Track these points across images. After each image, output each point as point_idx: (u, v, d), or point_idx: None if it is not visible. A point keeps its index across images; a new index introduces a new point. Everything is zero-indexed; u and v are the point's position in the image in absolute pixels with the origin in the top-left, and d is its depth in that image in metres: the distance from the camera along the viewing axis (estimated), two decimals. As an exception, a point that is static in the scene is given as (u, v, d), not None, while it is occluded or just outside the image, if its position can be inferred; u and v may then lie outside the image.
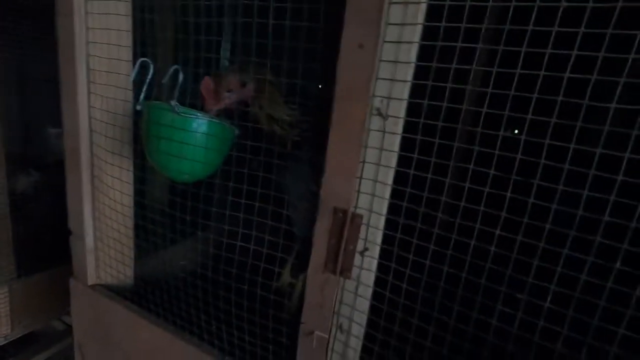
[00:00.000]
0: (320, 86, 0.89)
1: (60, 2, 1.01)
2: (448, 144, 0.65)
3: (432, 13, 0.63)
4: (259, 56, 0.85)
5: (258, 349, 0.95)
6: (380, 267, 0.76)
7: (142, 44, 1.04)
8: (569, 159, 0.55)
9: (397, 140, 0.69)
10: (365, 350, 0.81)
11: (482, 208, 0.63)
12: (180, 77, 0.91)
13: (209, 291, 1.02)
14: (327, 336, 0.82)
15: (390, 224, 0.73)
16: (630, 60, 0.50)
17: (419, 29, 0.63)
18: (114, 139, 1.07)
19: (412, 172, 0.68)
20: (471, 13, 0.59)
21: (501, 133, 0.60)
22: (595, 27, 0.51)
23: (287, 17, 0.77)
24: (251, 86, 0.97)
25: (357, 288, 0.79)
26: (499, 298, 0.64)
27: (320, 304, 0.81)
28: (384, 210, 0.73)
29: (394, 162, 0.71)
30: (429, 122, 0.65)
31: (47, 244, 1.82)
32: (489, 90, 0.60)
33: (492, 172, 0.61)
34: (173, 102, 0.87)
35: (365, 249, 0.76)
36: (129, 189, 1.13)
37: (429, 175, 0.67)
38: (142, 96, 0.94)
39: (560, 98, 0.55)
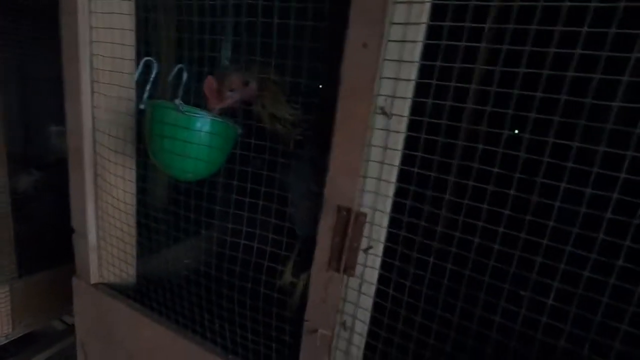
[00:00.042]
0: (320, 86, 0.90)
1: (65, 1, 1.01)
2: (452, 142, 0.65)
3: (436, 12, 0.63)
4: (261, 55, 0.85)
5: (261, 347, 0.96)
6: (384, 265, 0.77)
7: (145, 43, 1.04)
8: (572, 157, 0.56)
9: (401, 138, 0.70)
10: (369, 347, 0.82)
11: (485, 206, 0.64)
12: (185, 76, 0.92)
13: (211, 289, 1.02)
14: (330, 334, 0.82)
15: (394, 222, 0.74)
16: (632, 59, 0.51)
17: (423, 29, 0.64)
18: (117, 138, 1.08)
19: (416, 170, 0.68)
20: (475, 12, 0.60)
21: (505, 131, 0.60)
22: (598, 26, 0.51)
23: (291, 16, 0.77)
24: (253, 85, 0.98)
25: (360, 286, 0.79)
26: (502, 295, 0.65)
27: (324, 301, 0.81)
28: (388, 209, 0.74)
29: (397, 160, 0.71)
30: (432, 120, 0.66)
31: (48, 244, 1.82)
32: (493, 89, 0.60)
33: (495, 170, 0.62)
34: (177, 101, 0.87)
35: (369, 247, 0.76)
36: (132, 188, 1.13)
37: (433, 174, 0.67)
38: (145, 95, 0.95)
39: (563, 97, 0.55)
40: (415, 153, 0.68)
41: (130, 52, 1.04)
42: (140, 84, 0.96)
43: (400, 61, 0.66)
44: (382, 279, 0.78)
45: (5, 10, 1.57)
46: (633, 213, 0.54)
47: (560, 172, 0.57)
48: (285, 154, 0.89)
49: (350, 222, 0.75)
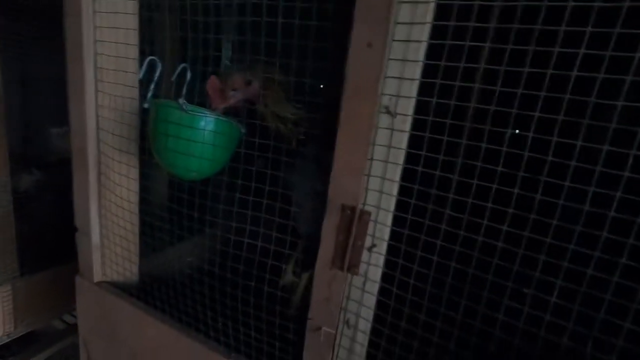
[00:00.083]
0: (322, 85, 0.90)
1: (69, 1, 1.02)
2: (456, 141, 0.66)
3: (441, 12, 0.63)
4: (264, 55, 0.86)
5: (264, 345, 0.96)
6: (388, 263, 0.77)
7: (148, 43, 1.05)
8: (575, 156, 0.56)
9: (405, 137, 0.70)
10: (372, 345, 0.82)
11: (489, 204, 0.64)
12: (188, 75, 0.92)
13: (215, 288, 1.02)
14: (334, 332, 0.83)
15: (397, 221, 0.74)
16: (636, 59, 0.51)
17: (427, 28, 0.64)
18: (121, 137, 1.08)
19: (420, 169, 0.69)
20: (480, 12, 0.60)
21: (509, 130, 0.61)
22: (602, 26, 0.52)
23: (295, 16, 0.77)
24: (256, 85, 0.98)
25: (364, 284, 0.79)
26: (505, 293, 0.65)
27: (327, 299, 0.82)
28: (392, 207, 0.74)
29: (401, 159, 0.72)
30: (437, 119, 0.66)
31: (49, 243, 1.82)
32: (497, 88, 0.61)
33: (499, 169, 0.62)
34: (181, 100, 0.88)
35: (373, 245, 0.77)
36: (136, 186, 1.14)
37: (437, 173, 0.68)
38: (149, 94, 0.95)
39: (567, 96, 0.56)
40: (419, 152, 0.69)
41: (134, 52, 1.04)
42: (144, 83, 0.97)
43: (404, 60, 0.67)
44: (385, 277, 0.78)
45: (6, 10, 1.57)
46: (636, 211, 0.54)
47: (564, 170, 0.57)
48: (289, 153, 0.89)
49: (354, 220, 0.75)
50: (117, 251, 1.19)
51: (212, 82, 0.96)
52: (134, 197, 1.14)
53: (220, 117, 0.91)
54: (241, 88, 0.98)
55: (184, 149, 0.90)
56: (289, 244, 0.92)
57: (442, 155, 0.67)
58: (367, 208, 0.75)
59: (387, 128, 0.71)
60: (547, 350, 0.64)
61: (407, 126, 0.70)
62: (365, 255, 0.77)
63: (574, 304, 0.60)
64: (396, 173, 0.72)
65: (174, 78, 0.92)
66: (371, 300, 0.80)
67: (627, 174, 0.53)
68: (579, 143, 0.56)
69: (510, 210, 0.62)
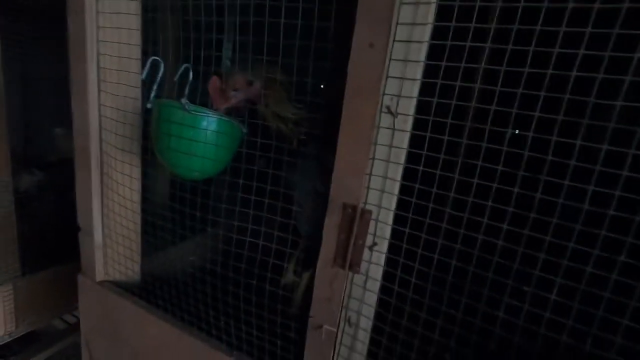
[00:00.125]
0: (322, 85, 0.91)
1: (72, 1, 1.02)
2: (456, 140, 0.67)
3: (442, 13, 0.64)
4: (265, 55, 0.86)
5: (266, 343, 0.97)
6: (389, 262, 0.78)
7: (151, 43, 1.05)
8: (575, 155, 0.57)
9: (407, 137, 0.71)
10: (373, 343, 0.83)
11: (489, 203, 0.65)
12: (191, 75, 0.93)
13: (216, 286, 1.03)
14: (335, 330, 0.84)
15: (398, 220, 0.75)
16: (635, 59, 0.52)
17: (429, 29, 0.65)
18: (123, 137, 1.09)
19: (421, 168, 0.70)
20: (480, 13, 0.61)
21: (509, 130, 0.61)
22: (601, 27, 0.53)
23: (298, 16, 0.78)
24: (258, 85, 0.99)
25: (365, 282, 0.80)
26: (505, 291, 0.66)
27: (329, 298, 0.83)
28: (393, 206, 0.75)
29: (403, 158, 0.72)
30: (438, 119, 0.67)
31: (51, 242, 1.83)
32: (497, 88, 0.61)
33: (499, 168, 0.63)
34: (183, 100, 0.88)
35: (374, 244, 0.77)
36: (138, 186, 1.14)
37: (438, 172, 0.68)
38: (152, 94, 0.96)
39: (567, 96, 0.57)
40: (420, 151, 0.69)
41: (136, 52, 1.05)
42: (147, 83, 0.98)
43: (406, 61, 0.68)
44: (386, 276, 0.79)
45: (6, 10, 1.58)
46: (635, 210, 0.55)
47: (563, 170, 0.58)
48: (290, 153, 0.90)
49: (355, 219, 0.76)
50: (119, 250, 1.20)
51: (214, 82, 0.97)
52: (137, 197, 1.15)
53: (222, 117, 0.92)
54: (242, 88, 0.99)
55: (186, 148, 0.91)
56: (290, 243, 0.93)
57: (442, 155, 0.67)
58: (368, 207, 0.76)
59: (388, 128, 0.71)
60: (546, 347, 0.64)
61: (408, 126, 0.70)
62: (366, 253, 0.78)
63: (573, 301, 0.60)
64: (397, 172, 0.73)
65: (176, 78, 0.93)
66: (372, 298, 0.81)
67: (625, 172, 0.54)
68: (579, 142, 0.57)
69: (510, 209, 0.63)
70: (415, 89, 0.68)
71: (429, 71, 0.67)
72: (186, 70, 0.93)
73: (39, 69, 1.77)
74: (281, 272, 1.00)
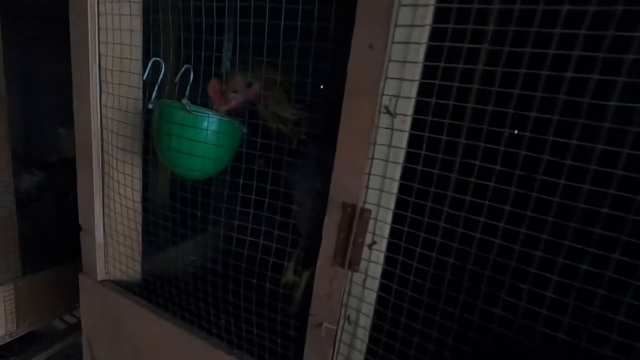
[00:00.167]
0: (322, 86, 0.92)
1: (74, 3, 1.03)
2: (454, 140, 0.68)
3: (440, 15, 0.65)
4: (265, 56, 0.87)
5: (266, 341, 0.98)
6: (388, 260, 0.79)
7: (152, 44, 1.06)
8: (570, 154, 0.58)
9: (405, 137, 0.72)
10: (373, 340, 0.84)
11: (487, 202, 0.66)
12: (192, 76, 0.94)
13: (217, 285, 1.04)
14: (335, 327, 0.85)
15: (397, 218, 0.76)
16: (626, 60, 0.53)
17: (427, 30, 0.66)
18: (125, 137, 1.10)
19: (419, 168, 0.71)
20: (477, 15, 0.62)
21: (506, 130, 0.62)
22: (595, 29, 0.54)
23: (298, 17, 0.79)
24: (257, 86, 1.00)
25: (364, 280, 0.81)
26: (502, 288, 0.67)
27: (328, 296, 0.83)
28: (392, 205, 0.76)
29: (401, 158, 0.73)
30: (436, 119, 0.68)
31: (51, 242, 1.83)
32: (495, 89, 0.62)
33: (497, 167, 0.64)
34: (184, 101, 0.89)
35: (373, 243, 0.78)
36: (139, 186, 1.15)
37: (436, 171, 0.69)
38: (153, 95, 0.97)
39: (562, 96, 0.58)
40: (419, 151, 0.70)
41: (137, 53, 1.06)
42: (148, 84, 0.98)
43: (404, 62, 0.69)
44: (385, 274, 0.80)
45: (6, 10, 1.58)
46: (629, 208, 0.56)
47: (559, 169, 0.59)
48: (290, 153, 0.91)
49: (355, 218, 0.77)
50: (120, 249, 1.21)
51: (213, 84, 0.98)
52: (138, 196, 1.15)
53: (223, 118, 0.93)
54: (242, 90, 1.00)
55: (187, 148, 0.92)
56: (290, 242, 0.94)
57: (441, 155, 0.68)
58: (367, 206, 0.77)
59: (387, 128, 0.72)
60: (543, 343, 0.65)
61: (407, 126, 0.71)
62: (365, 252, 0.79)
63: (568, 298, 0.61)
64: (396, 172, 0.74)
65: (177, 79, 0.94)
66: (371, 296, 0.82)
67: (620, 172, 0.55)
68: (574, 142, 0.58)
69: (507, 208, 0.64)
70: (413, 90, 0.69)
71: (427, 72, 0.68)
72: (187, 71, 0.94)
73: (40, 69, 1.77)
74: (281, 271, 1.01)
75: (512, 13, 0.59)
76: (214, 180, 1.04)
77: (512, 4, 0.59)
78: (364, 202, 0.77)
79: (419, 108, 0.70)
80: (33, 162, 1.84)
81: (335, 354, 0.87)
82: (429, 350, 0.75)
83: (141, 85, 1.08)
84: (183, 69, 0.94)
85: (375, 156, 0.75)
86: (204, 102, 0.98)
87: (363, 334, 0.84)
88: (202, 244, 1.20)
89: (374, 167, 0.75)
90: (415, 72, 0.68)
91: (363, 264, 0.80)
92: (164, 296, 1.14)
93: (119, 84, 1.07)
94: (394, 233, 0.77)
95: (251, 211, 0.94)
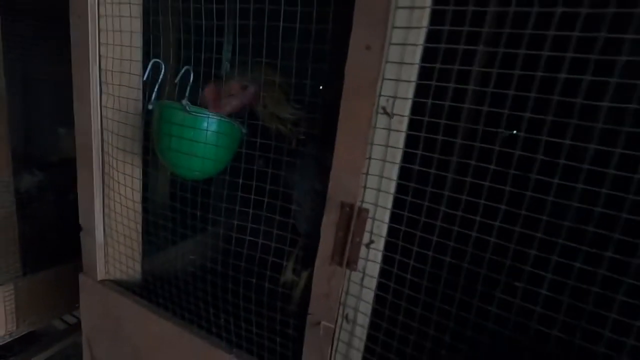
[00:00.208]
0: (321, 87, 0.93)
1: (74, 5, 1.04)
2: (451, 140, 0.69)
3: (436, 17, 0.66)
4: (263, 57, 0.88)
5: (265, 340, 0.98)
6: (385, 259, 0.80)
7: (151, 45, 1.07)
8: (564, 154, 0.59)
9: (402, 137, 0.73)
10: (370, 339, 0.84)
11: (482, 201, 0.67)
12: (191, 77, 0.95)
13: (217, 285, 1.05)
14: (333, 326, 0.85)
15: (395, 218, 0.77)
16: (617, 61, 0.54)
17: (423, 32, 0.67)
18: (125, 138, 1.11)
19: (416, 167, 0.72)
20: (473, 17, 0.63)
21: (501, 130, 0.63)
22: (588, 31, 0.55)
23: (297, 19, 0.80)
24: (252, 89, 1.01)
25: (362, 279, 0.82)
26: (498, 286, 0.68)
27: (327, 295, 0.84)
28: (389, 205, 0.76)
29: (398, 158, 0.74)
30: (432, 120, 0.69)
31: (51, 242, 1.84)
32: (490, 90, 0.63)
33: (492, 167, 0.65)
34: (184, 101, 0.90)
35: (371, 242, 0.79)
36: (139, 186, 1.16)
37: (433, 171, 0.70)
38: (153, 96, 0.97)
39: (556, 97, 0.59)
40: (416, 151, 0.71)
41: (137, 54, 1.07)
42: (148, 85, 0.99)
43: (401, 63, 0.69)
44: (383, 273, 0.80)
45: (6, 11, 1.59)
46: (621, 207, 0.57)
47: (553, 168, 0.60)
48: (289, 153, 0.92)
49: (353, 217, 0.78)
50: (120, 249, 1.22)
51: (209, 90, 0.99)
52: (138, 196, 1.16)
53: (222, 118, 0.94)
54: (238, 93, 1.01)
55: (187, 149, 0.93)
56: (289, 242, 0.95)
57: (437, 154, 0.69)
58: (365, 205, 0.78)
59: (384, 128, 0.73)
60: (538, 341, 0.66)
61: (404, 126, 0.72)
62: (363, 251, 0.80)
63: (562, 295, 0.62)
64: (393, 171, 0.75)
65: (177, 80, 0.95)
66: (369, 295, 0.82)
67: (612, 171, 0.56)
68: (567, 142, 0.59)
69: (503, 207, 0.65)
70: (410, 91, 0.70)
71: (424, 73, 0.69)
72: (187, 72, 0.95)
73: (40, 70, 1.78)
74: (280, 271, 1.02)
75: (507, 15, 0.60)
76: (213, 181, 1.05)
77: (506, 6, 0.61)
78: (362, 201, 0.78)
79: (416, 109, 0.71)
80: (33, 162, 1.84)
81: (333, 352, 0.88)
82: (426, 348, 0.76)
83: (141, 87, 1.09)
84: (183, 70, 0.95)
85: (372, 156, 0.76)
86: (203, 103, 0.99)
87: (361, 333, 0.85)
88: (202, 244, 1.20)
89: (372, 167, 0.76)
90: (411, 73, 0.69)
91: (361, 262, 0.81)
92: (163, 296, 1.15)
93: (119, 85, 1.08)
94: (391, 232, 0.78)
95: (250, 211, 0.95)
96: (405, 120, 0.72)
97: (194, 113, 0.91)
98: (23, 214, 1.70)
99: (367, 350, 0.86)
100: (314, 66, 0.82)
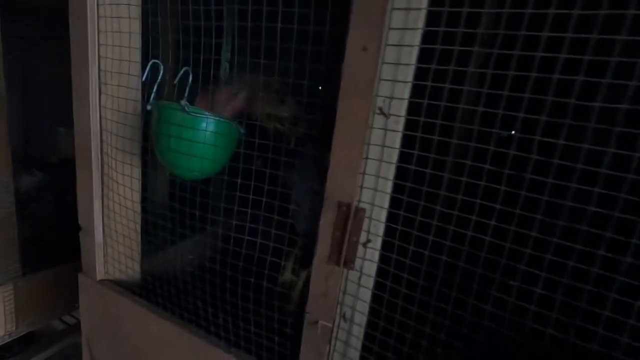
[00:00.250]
0: (319, 87, 0.93)
1: (74, 6, 1.05)
2: (446, 140, 0.69)
3: (432, 19, 0.67)
4: (259, 58, 0.89)
5: (263, 339, 0.99)
6: (382, 258, 0.80)
7: (150, 46, 1.08)
8: (558, 154, 0.60)
9: (398, 137, 0.74)
10: (368, 337, 0.85)
11: (478, 201, 0.67)
12: (190, 78, 0.95)
13: (215, 284, 1.05)
14: (331, 325, 0.86)
15: (391, 217, 0.78)
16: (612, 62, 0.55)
17: (419, 33, 0.68)
18: (124, 138, 1.11)
19: (412, 167, 0.72)
20: (468, 19, 0.64)
21: (496, 130, 0.64)
22: (581, 31, 0.56)
23: (294, 20, 0.81)
24: (242, 96, 1.02)
25: (360, 278, 0.83)
26: (493, 285, 0.69)
27: (324, 294, 0.85)
28: (386, 204, 0.77)
29: (395, 158, 0.75)
30: (428, 120, 0.69)
31: (51, 243, 1.84)
32: (485, 90, 0.64)
33: (487, 167, 0.65)
34: (183, 102, 0.91)
35: (368, 241, 0.80)
36: (138, 186, 1.17)
37: (429, 171, 0.71)
38: (152, 96, 0.98)
39: (550, 98, 0.59)
40: (412, 151, 0.72)
41: (136, 55, 1.08)
42: (147, 86, 1.00)
43: (397, 64, 0.70)
44: (380, 272, 0.81)
45: (6, 11, 1.59)
46: (614, 206, 0.57)
47: (547, 168, 0.61)
48: (288, 153, 0.93)
49: (350, 217, 0.78)
50: (119, 249, 1.22)
51: (201, 100, 1.00)
52: (137, 197, 1.17)
53: (221, 119, 0.94)
54: (229, 102, 1.02)
55: (185, 149, 0.93)
56: (288, 242, 0.95)
57: (433, 154, 0.70)
58: (362, 205, 0.78)
59: (381, 128, 0.74)
60: (532, 339, 0.67)
61: (400, 126, 0.73)
62: (360, 250, 0.80)
63: (556, 293, 0.63)
64: (390, 171, 0.76)
65: (176, 81, 0.95)
66: (366, 294, 0.83)
67: (605, 171, 0.57)
68: (561, 142, 0.59)
69: (498, 206, 0.66)
70: (406, 91, 0.71)
71: (420, 74, 0.70)
72: (186, 73, 0.95)
73: (40, 70, 1.78)
74: (278, 270, 1.02)
75: (502, 17, 0.61)
76: (212, 181, 1.05)
77: (501, 8, 0.61)
78: (359, 201, 0.78)
79: (412, 109, 0.72)
80: (33, 162, 1.85)
81: (331, 351, 0.89)
82: (422, 346, 0.77)
83: (140, 87, 1.10)
84: (182, 71, 0.96)
85: (369, 156, 0.76)
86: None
87: (358, 331, 0.86)
88: (201, 244, 1.21)
89: (368, 167, 0.77)
90: (408, 74, 0.70)
91: (358, 262, 0.81)
92: (162, 295, 1.15)
93: (118, 86, 1.09)
94: (388, 231, 0.79)
95: (249, 211, 0.95)
96: (402, 121, 0.72)
97: (192, 113, 0.91)
98: (22, 214, 1.71)
99: (365, 348, 0.86)
100: (312, 67, 0.82)
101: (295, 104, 1.00)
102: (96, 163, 1.15)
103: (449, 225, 0.71)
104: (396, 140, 0.74)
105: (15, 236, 1.68)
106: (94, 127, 1.12)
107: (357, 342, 0.86)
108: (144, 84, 1.05)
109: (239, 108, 1.03)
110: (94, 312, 1.30)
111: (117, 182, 1.15)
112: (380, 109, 0.73)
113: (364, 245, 0.80)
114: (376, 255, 0.80)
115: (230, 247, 0.99)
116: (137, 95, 1.10)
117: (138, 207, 1.18)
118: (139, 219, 1.19)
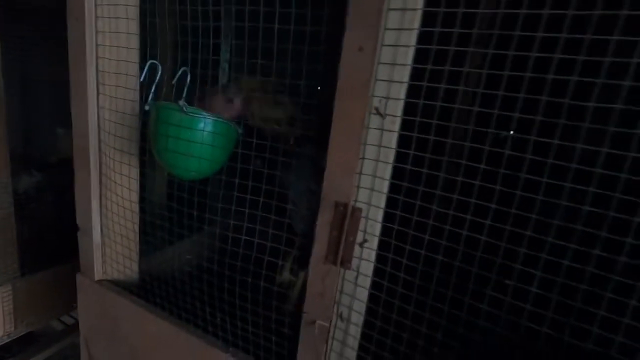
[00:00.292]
0: (317, 88, 0.94)
1: (72, 7, 1.05)
2: (442, 140, 0.70)
3: (428, 19, 0.67)
4: (256, 58, 0.89)
5: (261, 339, 0.99)
6: (379, 258, 0.80)
7: (148, 46, 1.08)
8: (552, 154, 0.60)
9: (395, 137, 0.74)
10: (364, 337, 0.85)
11: (473, 200, 0.68)
12: (188, 78, 0.96)
13: (213, 284, 1.05)
14: (328, 325, 0.86)
15: (388, 217, 0.78)
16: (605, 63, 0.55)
17: (415, 34, 0.68)
18: (122, 138, 1.11)
19: (408, 167, 0.72)
20: (463, 19, 0.64)
21: (492, 130, 0.64)
22: (575, 32, 0.56)
23: (291, 21, 0.81)
24: (237, 101, 1.03)
25: (356, 278, 0.83)
26: (489, 284, 0.69)
27: (321, 294, 0.85)
28: (382, 204, 0.77)
29: (391, 158, 0.75)
30: (424, 120, 0.70)
31: (49, 243, 1.84)
32: (480, 90, 0.64)
33: (482, 166, 0.66)
34: (181, 102, 0.91)
35: (365, 241, 0.80)
36: (136, 186, 1.17)
37: (425, 170, 0.71)
38: (150, 97, 0.98)
39: (544, 98, 0.60)
40: (408, 151, 0.72)
41: (134, 55, 1.08)
42: (145, 86, 1.00)
43: (393, 64, 0.70)
44: (377, 272, 0.81)
45: (6, 11, 1.60)
46: (609, 205, 0.58)
47: (542, 167, 0.61)
48: (286, 153, 0.93)
49: (346, 217, 0.78)
50: (117, 249, 1.22)
51: (198, 106, 1.00)
52: (135, 197, 1.17)
53: (219, 119, 0.95)
54: (223, 107, 1.03)
55: (183, 149, 0.93)
56: (287, 242, 0.95)
57: (429, 154, 0.70)
58: (358, 205, 0.79)
59: (377, 128, 0.74)
60: (528, 338, 0.67)
61: (396, 126, 0.73)
62: (357, 250, 0.81)
63: (551, 292, 0.63)
64: (386, 171, 0.76)
65: (174, 81, 0.96)
66: (363, 293, 0.83)
67: (599, 170, 0.57)
68: (556, 142, 0.60)
69: (493, 206, 0.66)
70: (402, 91, 0.71)
71: (416, 74, 0.70)
72: (184, 73, 0.96)
73: (39, 71, 1.78)
74: (276, 270, 1.03)
75: (497, 17, 0.61)
76: (210, 181, 1.06)
77: (496, 8, 0.62)
78: (355, 201, 0.79)
79: (408, 109, 0.72)
80: (31, 163, 1.85)
81: (328, 350, 0.89)
82: (418, 345, 0.77)
83: (138, 88, 1.10)
84: (180, 72, 0.96)
85: (365, 156, 0.76)
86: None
87: (355, 331, 0.86)
88: (199, 244, 1.21)
89: (365, 167, 0.77)
90: (404, 74, 0.70)
91: (355, 261, 0.81)
92: (160, 295, 1.15)
93: (116, 86, 1.09)
94: (384, 231, 0.79)
95: (247, 211, 0.96)
96: (398, 121, 0.73)
97: (190, 114, 0.92)
98: (21, 214, 1.71)
99: (362, 348, 0.86)
100: (308, 68, 0.83)
101: (292, 104, 1.00)
102: (94, 163, 1.15)
103: (445, 225, 0.71)
104: (392, 140, 0.74)
105: (14, 237, 1.68)
106: (92, 127, 1.12)
107: (354, 341, 0.87)
108: (142, 84, 1.05)
109: (236, 113, 1.04)
110: (92, 312, 1.30)
111: (115, 182, 1.16)
112: (377, 109, 0.73)
113: (361, 245, 0.81)
114: (373, 255, 0.81)
115: (228, 247, 0.99)
116: (135, 95, 1.10)
117: (136, 207, 1.18)
118: (137, 219, 1.19)
